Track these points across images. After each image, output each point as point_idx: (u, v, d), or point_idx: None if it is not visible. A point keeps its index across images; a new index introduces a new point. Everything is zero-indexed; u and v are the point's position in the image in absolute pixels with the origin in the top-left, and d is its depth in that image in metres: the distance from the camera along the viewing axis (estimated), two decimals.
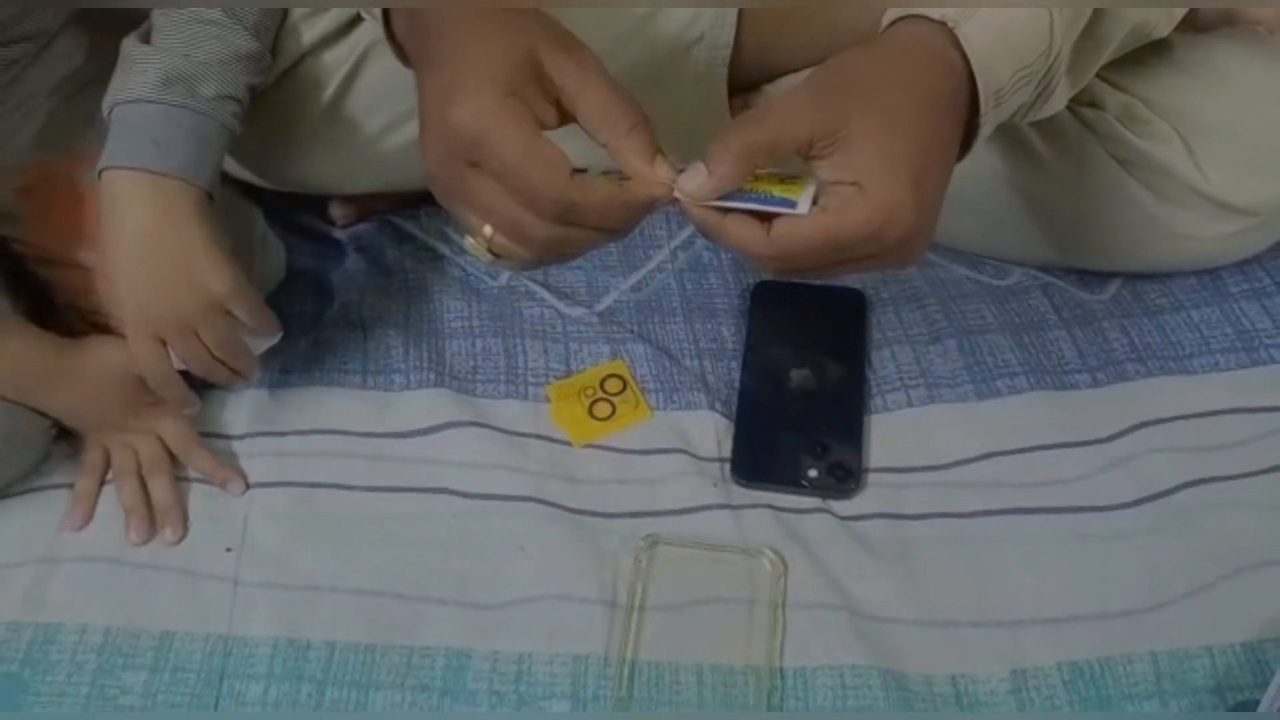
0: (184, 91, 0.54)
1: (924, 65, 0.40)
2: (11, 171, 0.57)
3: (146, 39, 0.55)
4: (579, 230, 0.39)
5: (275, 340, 0.59)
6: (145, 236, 0.53)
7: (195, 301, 0.54)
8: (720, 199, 0.40)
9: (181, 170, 0.53)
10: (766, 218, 0.40)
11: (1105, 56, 0.48)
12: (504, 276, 0.69)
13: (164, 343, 0.55)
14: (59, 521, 0.56)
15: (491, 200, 0.38)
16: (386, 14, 0.44)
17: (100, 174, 0.53)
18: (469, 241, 0.40)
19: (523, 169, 0.37)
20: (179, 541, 0.56)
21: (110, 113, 0.54)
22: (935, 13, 0.41)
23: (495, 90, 0.37)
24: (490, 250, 0.40)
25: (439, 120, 0.38)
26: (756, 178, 0.41)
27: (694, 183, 0.39)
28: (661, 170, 0.40)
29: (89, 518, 0.56)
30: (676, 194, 0.40)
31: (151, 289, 0.54)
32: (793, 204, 0.39)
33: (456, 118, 0.38)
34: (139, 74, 0.53)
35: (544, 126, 0.39)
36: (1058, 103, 0.45)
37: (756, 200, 0.40)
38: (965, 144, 0.43)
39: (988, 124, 0.42)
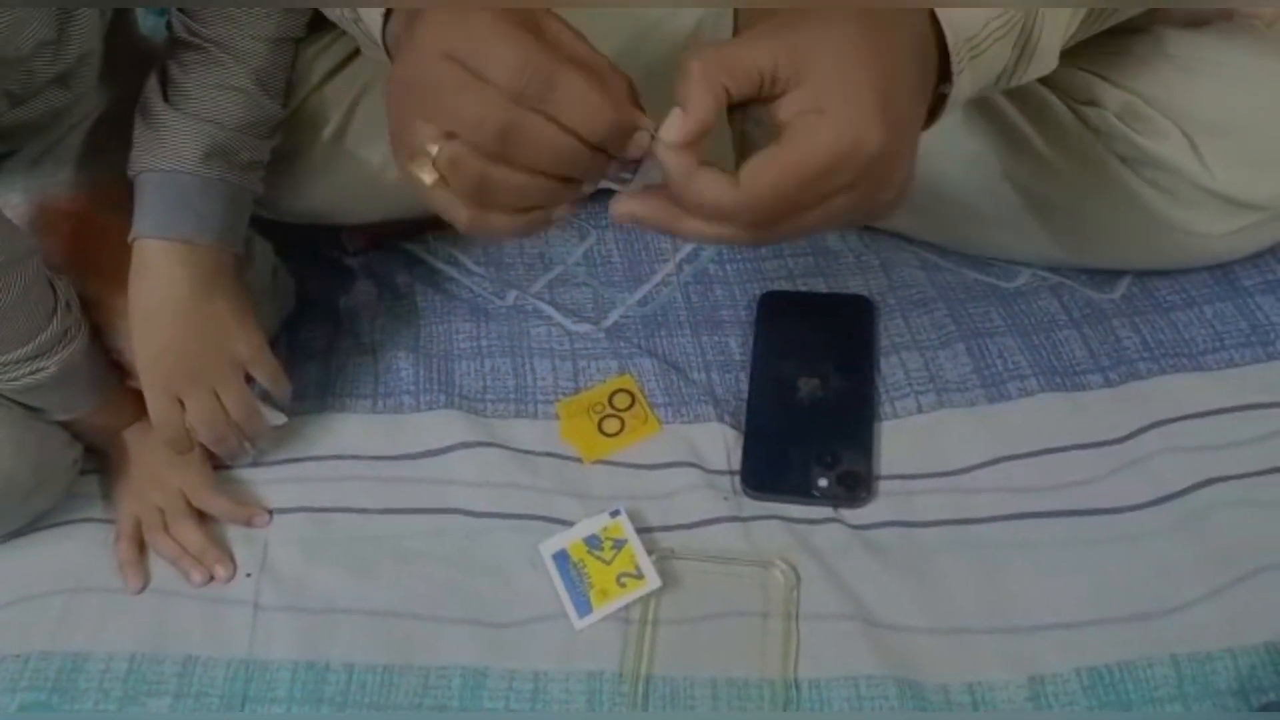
0: (223, 164, 0.55)
1: (882, 11, 0.38)
2: (39, 207, 0.59)
3: (165, 95, 0.56)
4: (541, 124, 0.35)
5: (283, 420, 0.61)
6: (177, 304, 0.55)
7: (218, 363, 0.56)
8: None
9: (217, 239, 0.55)
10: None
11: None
12: (511, 296, 0.70)
13: (181, 403, 0.56)
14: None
15: (457, 86, 0.36)
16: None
17: (132, 240, 0.55)
18: (412, 169, 0.38)
19: (497, 37, 0.35)
20: (231, 578, 0.57)
21: (139, 176, 0.55)
22: None
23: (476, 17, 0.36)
24: (436, 167, 0.37)
25: (409, 46, 0.37)
26: None
27: (674, 126, 0.37)
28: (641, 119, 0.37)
29: (144, 578, 0.57)
30: (659, 145, 0.37)
31: (177, 353, 0.55)
32: None
33: (428, 27, 0.36)
34: (177, 143, 0.54)
35: None
36: (1045, 60, 0.43)
37: None
38: (941, 103, 0.41)
39: (964, 75, 0.40)
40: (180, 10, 0.56)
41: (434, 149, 0.37)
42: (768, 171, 0.37)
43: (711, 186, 0.37)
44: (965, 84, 0.41)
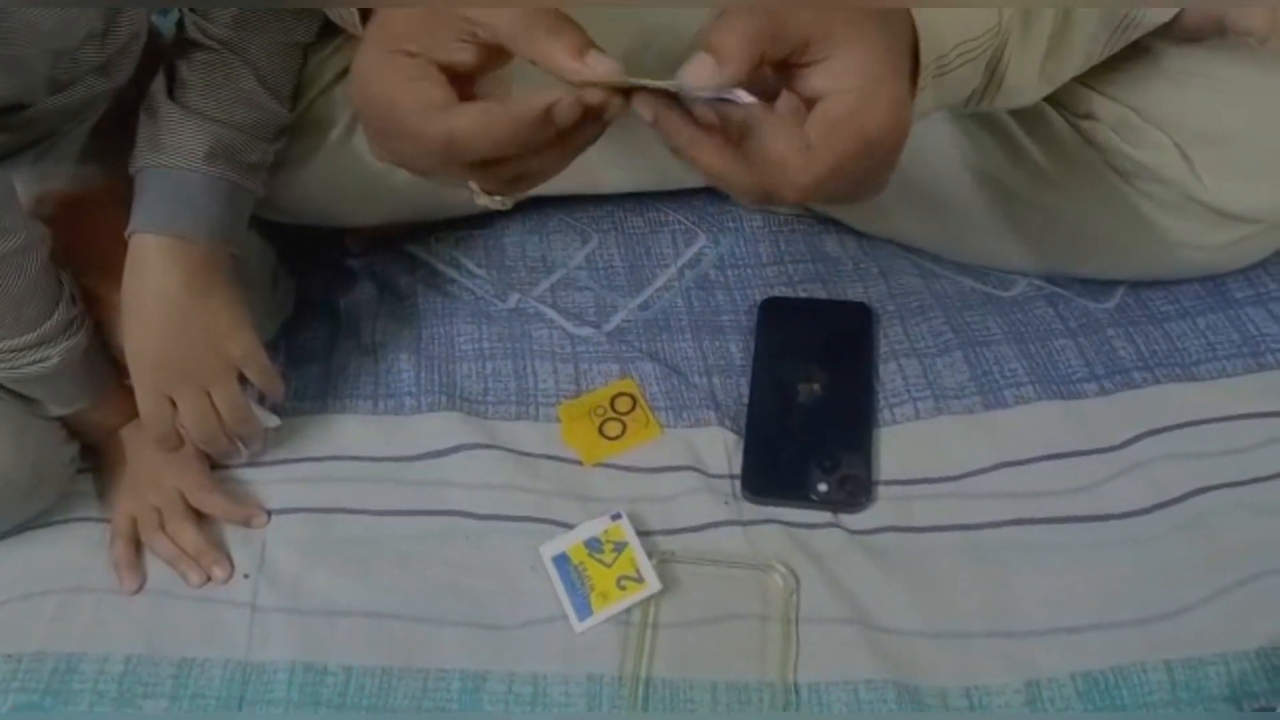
0: (226, 163, 0.55)
1: (890, 14, 0.39)
2: (39, 199, 0.58)
3: (171, 93, 0.56)
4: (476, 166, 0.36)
5: (277, 423, 0.60)
6: (171, 300, 0.54)
7: (211, 362, 0.56)
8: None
9: (214, 237, 0.55)
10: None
11: (1083, 51, 0.46)
12: (513, 298, 0.70)
13: (173, 402, 0.56)
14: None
15: (395, 134, 0.37)
16: None
17: (129, 235, 0.54)
18: (456, 188, 0.39)
19: (398, 108, 0.36)
20: (229, 579, 0.56)
21: (140, 171, 0.55)
22: None
23: (377, 50, 0.37)
24: (485, 191, 0.39)
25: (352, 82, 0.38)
26: None
27: (703, 74, 0.35)
28: (597, 62, 0.36)
29: (140, 578, 0.57)
30: (683, 85, 0.36)
31: (169, 349, 0.55)
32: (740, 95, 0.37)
33: (353, 92, 0.37)
34: (180, 139, 0.54)
35: (461, 68, 0.37)
36: (1018, 91, 0.44)
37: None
38: None
39: (927, 91, 0.41)
40: (193, 10, 0.56)
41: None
42: (841, 134, 0.36)
43: (781, 137, 0.36)
44: (928, 100, 0.42)
